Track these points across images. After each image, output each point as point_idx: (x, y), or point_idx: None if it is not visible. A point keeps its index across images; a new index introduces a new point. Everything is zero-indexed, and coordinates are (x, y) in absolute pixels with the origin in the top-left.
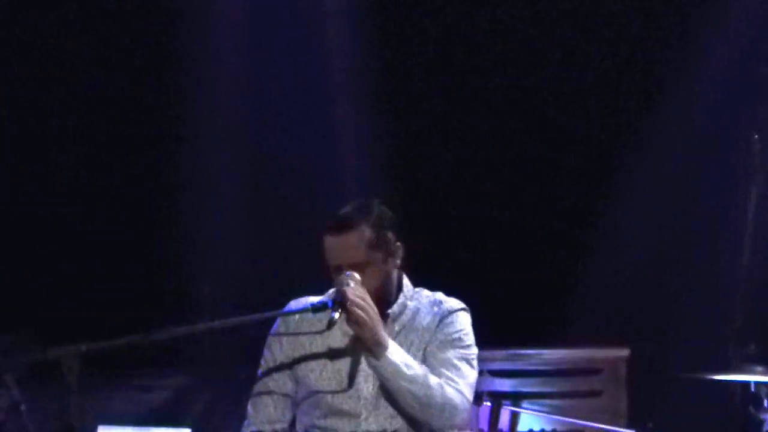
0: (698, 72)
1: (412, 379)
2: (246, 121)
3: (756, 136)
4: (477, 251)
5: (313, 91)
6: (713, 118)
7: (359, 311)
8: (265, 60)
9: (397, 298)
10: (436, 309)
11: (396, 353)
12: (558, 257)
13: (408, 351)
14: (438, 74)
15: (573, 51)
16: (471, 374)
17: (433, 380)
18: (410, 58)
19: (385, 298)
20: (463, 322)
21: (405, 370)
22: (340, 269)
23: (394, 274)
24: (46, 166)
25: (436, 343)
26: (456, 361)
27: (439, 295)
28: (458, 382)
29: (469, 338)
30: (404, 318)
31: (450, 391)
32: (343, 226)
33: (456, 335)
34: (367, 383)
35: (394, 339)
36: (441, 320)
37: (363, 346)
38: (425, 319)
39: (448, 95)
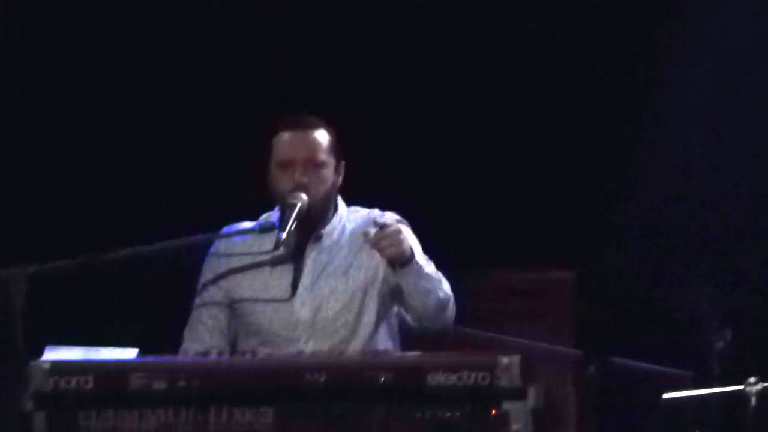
0: None
1: (430, 278)
2: None
3: None
4: (422, 168)
5: None
6: None
7: (398, 234)
8: None
9: (332, 218)
10: (368, 216)
11: (418, 255)
12: (506, 174)
13: (333, 263)
14: None
15: None
16: None
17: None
18: None
19: (323, 211)
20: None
21: (426, 270)
22: (294, 166)
23: (336, 191)
24: None
25: None
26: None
27: (376, 211)
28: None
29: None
30: (335, 234)
31: (447, 285)
32: (307, 122)
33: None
34: (303, 307)
35: (320, 255)
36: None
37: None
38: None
39: None
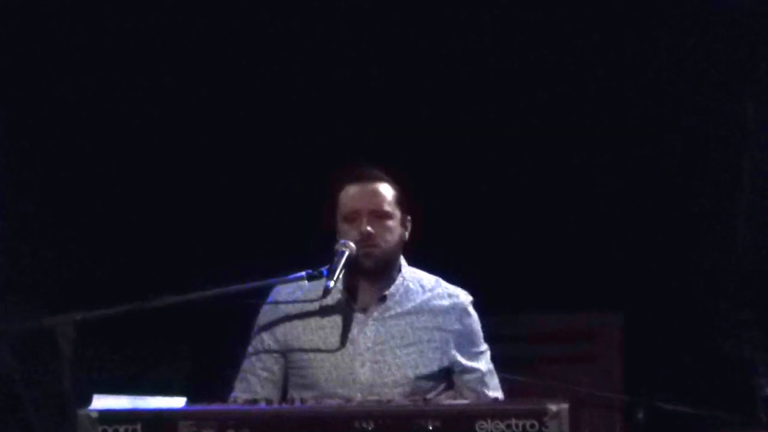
0: None
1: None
2: None
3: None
4: (468, 218)
5: None
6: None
7: None
8: None
9: (396, 277)
10: (447, 301)
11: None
12: (552, 219)
13: (400, 331)
14: None
15: None
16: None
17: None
18: None
19: (390, 265)
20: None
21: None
22: (360, 217)
23: (401, 246)
24: None
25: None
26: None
27: (443, 283)
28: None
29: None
30: (398, 296)
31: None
32: (373, 175)
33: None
34: (363, 368)
35: (384, 315)
36: (460, 317)
37: None
38: (419, 297)
39: None
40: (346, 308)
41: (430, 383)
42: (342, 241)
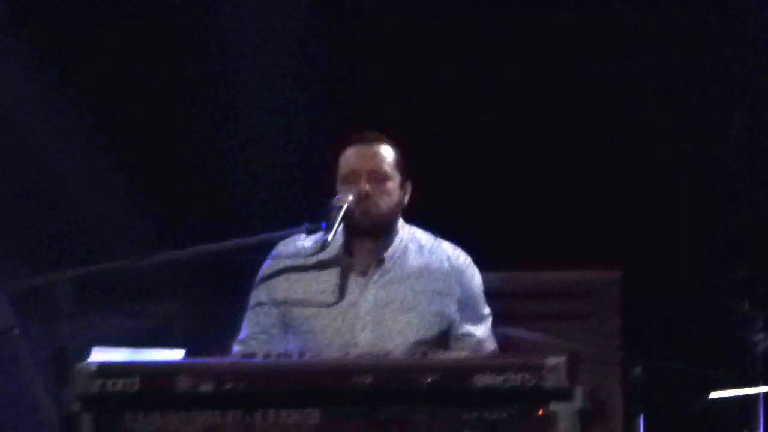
0: None
1: None
2: None
3: None
4: (469, 173)
5: None
6: None
7: None
8: None
9: (394, 239)
10: (446, 264)
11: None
12: (550, 177)
13: (401, 295)
14: None
15: None
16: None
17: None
18: None
19: (387, 227)
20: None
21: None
22: (359, 177)
23: (399, 210)
24: None
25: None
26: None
27: (444, 243)
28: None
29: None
30: (397, 257)
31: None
32: (374, 138)
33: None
34: (363, 332)
35: (384, 278)
36: (460, 280)
37: None
38: (418, 260)
39: None
40: (345, 264)
41: (431, 348)
42: (338, 195)
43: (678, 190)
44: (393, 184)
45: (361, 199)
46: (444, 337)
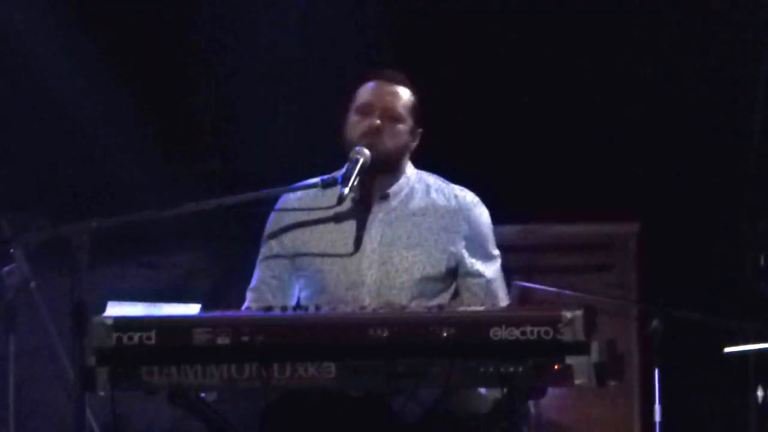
0: None
1: None
2: None
3: None
4: (487, 127)
5: None
6: None
7: None
8: None
9: (400, 178)
10: (453, 202)
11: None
12: (569, 130)
13: (407, 231)
14: None
15: None
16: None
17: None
18: None
19: (392, 167)
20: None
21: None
22: (372, 111)
23: (407, 154)
24: None
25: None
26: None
27: (454, 187)
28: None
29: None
30: (403, 195)
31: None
32: (394, 76)
33: (489, 240)
34: (370, 270)
35: (389, 216)
36: (468, 217)
37: None
38: (424, 199)
39: None
40: (359, 213)
41: (438, 286)
42: (357, 148)
43: (697, 141)
44: (404, 126)
45: (371, 132)
46: (452, 275)
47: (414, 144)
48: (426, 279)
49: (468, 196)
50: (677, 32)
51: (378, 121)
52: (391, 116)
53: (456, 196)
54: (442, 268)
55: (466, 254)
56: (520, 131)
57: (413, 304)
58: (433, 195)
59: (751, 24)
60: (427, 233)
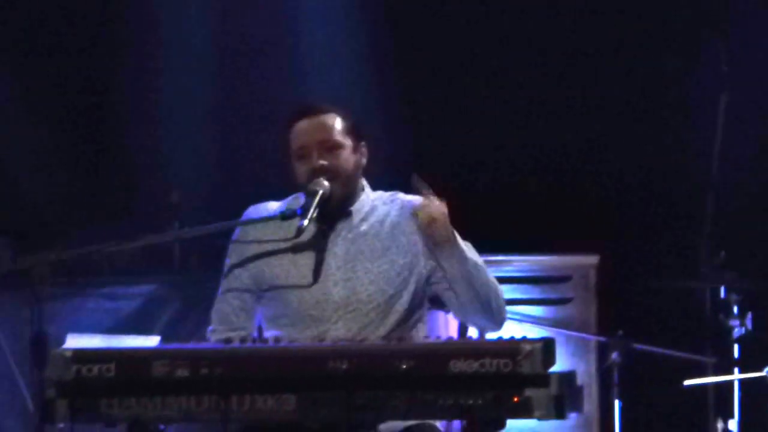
0: None
1: (476, 264)
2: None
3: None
4: (452, 159)
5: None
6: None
7: (436, 209)
8: None
9: (360, 195)
10: (407, 208)
11: (459, 239)
12: (529, 163)
13: (368, 244)
14: None
15: None
16: None
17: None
18: None
19: (348, 193)
20: None
21: (468, 255)
22: (310, 152)
23: (360, 172)
24: None
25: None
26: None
27: (401, 194)
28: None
29: None
30: (364, 211)
31: (490, 274)
32: (316, 109)
33: None
34: (336, 287)
35: (352, 233)
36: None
37: (432, 241)
38: (386, 212)
39: None
40: (320, 240)
41: (404, 296)
42: (315, 180)
43: (657, 175)
44: (346, 152)
45: (316, 174)
46: (418, 278)
47: (364, 159)
48: (393, 287)
49: (416, 199)
50: (627, 84)
51: (320, 162)
52: (329, 147)
53: (410, 201)
54: (407, 274)
55: (428, 253)
56: (480, 164)
57: (377, 334)
58: (389, 206)
59: (710, 62)
60: (388, 242)
